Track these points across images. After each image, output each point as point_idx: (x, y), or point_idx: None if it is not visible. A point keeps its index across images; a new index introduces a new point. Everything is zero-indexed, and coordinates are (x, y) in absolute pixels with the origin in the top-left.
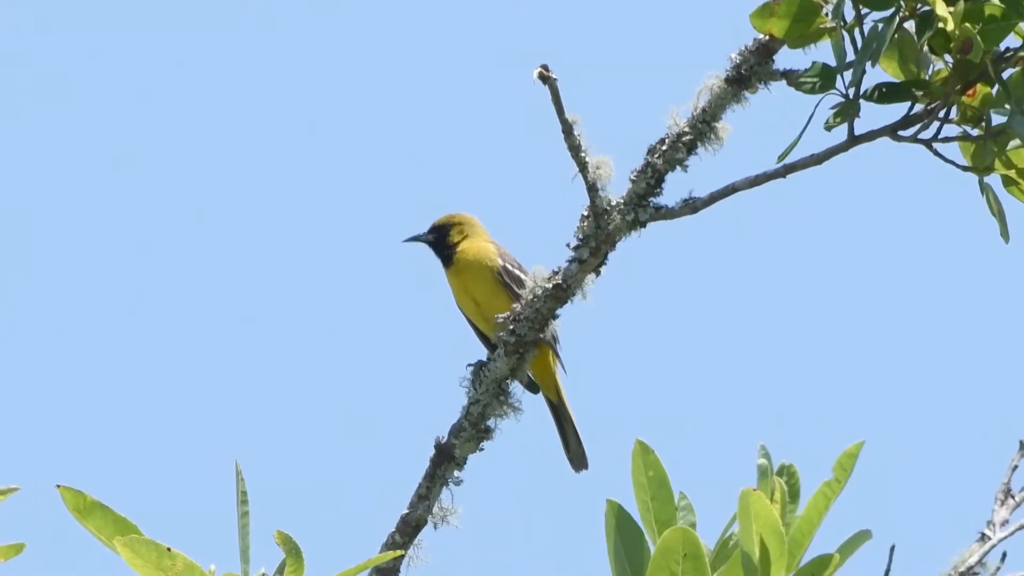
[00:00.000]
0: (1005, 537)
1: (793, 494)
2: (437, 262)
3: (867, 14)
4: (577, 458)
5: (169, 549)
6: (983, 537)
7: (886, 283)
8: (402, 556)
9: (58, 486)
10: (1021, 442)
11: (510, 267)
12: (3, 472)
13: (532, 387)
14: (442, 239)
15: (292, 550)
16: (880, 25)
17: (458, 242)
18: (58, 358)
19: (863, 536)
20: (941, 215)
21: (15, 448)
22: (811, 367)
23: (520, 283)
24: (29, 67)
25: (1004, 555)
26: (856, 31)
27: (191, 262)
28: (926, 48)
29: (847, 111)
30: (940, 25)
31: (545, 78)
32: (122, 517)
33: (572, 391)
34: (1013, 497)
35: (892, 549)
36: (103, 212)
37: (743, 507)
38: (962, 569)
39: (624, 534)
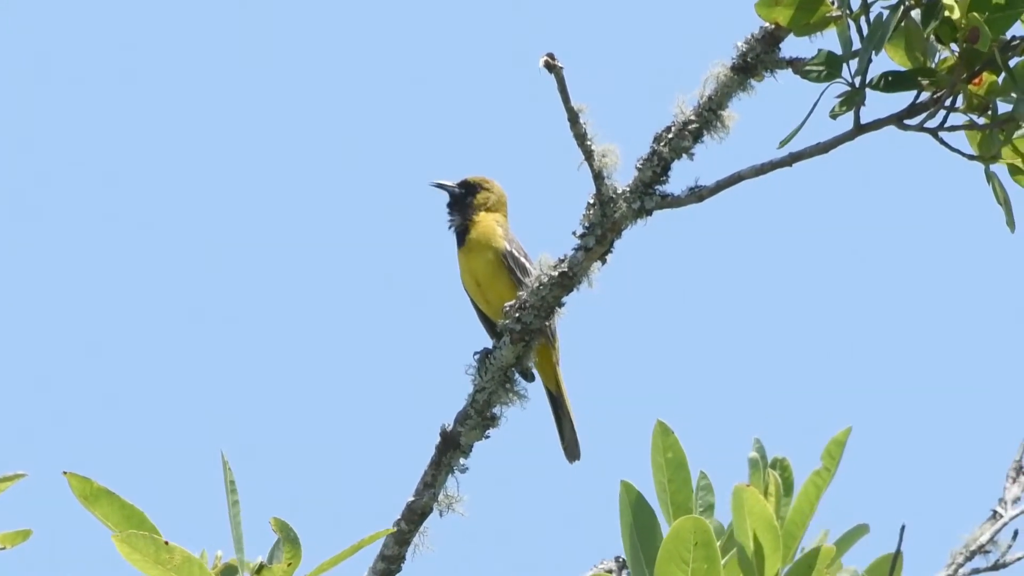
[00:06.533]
0: (1017, 515)
1: (787, 487)
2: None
3: (873, 2)
4: (571, 448)
5: (167, 543)
6: (995, 515)
7: (892, 271)
8: (406, 541)
9: (65, 472)
10: None
11: (516, 252)
12: (10, 459)
13: (529, 376)
14: (465, 197)
15: (288, 537)
16: (885, 13)
17: (479, 206)
18: (65, 351)
19: (860, 530)
20: (947, 204)
21: (21, 436)
22: (818, 354)
23: (524, 270)
24: (27, 68)
25: (1016, 533)
26: (862, 19)
27: (194, 254)
28: (932, 37)
29: (853, 99)
30: (946, 14)
31: (551, 66)
32: (128, 504)
33: (576, 379)
34: None
35: (902, 529)
36: (118, 208)
37: (736, 503)
38: (973, 547)
39: (639, 517)
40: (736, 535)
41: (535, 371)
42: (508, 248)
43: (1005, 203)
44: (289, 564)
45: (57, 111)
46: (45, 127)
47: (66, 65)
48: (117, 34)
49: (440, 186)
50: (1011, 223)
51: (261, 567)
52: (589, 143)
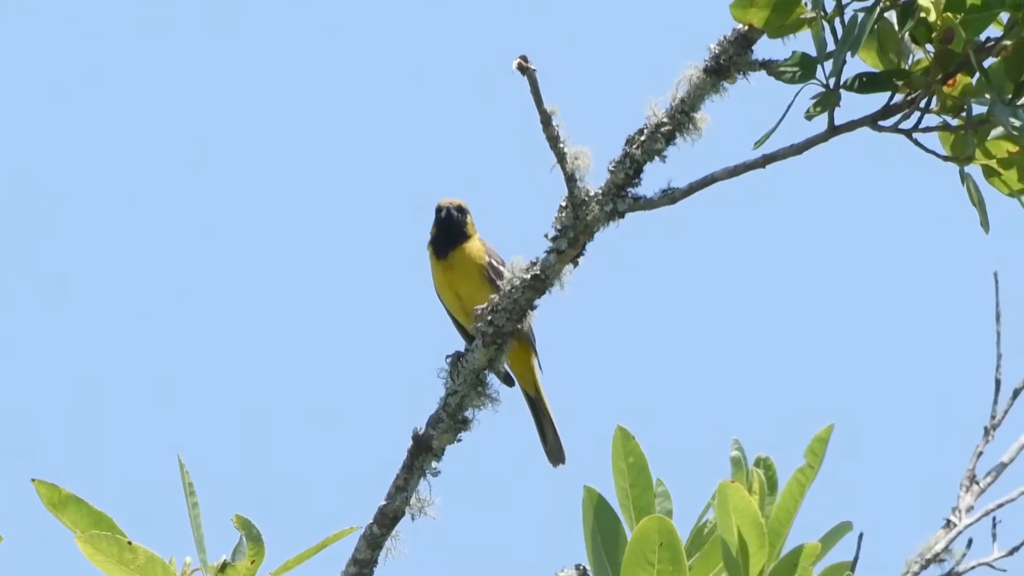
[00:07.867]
0: (971, 523)
1: (771, 485)
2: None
3: (847, 4)
4: (555, 452)
5: (130, 543)
6: (948, 524)
7: (865, 272)
8: (378, 544)
9: (33, 480)
10: (986, 428)
11: (495, 263)
12: None
13: (508, 380)
14: (461, 223)
15: (251, 535)
16: (860, 15)
17: (469, 227)
18: (39, 356)
19: (844, 528)
20: (922, 205)
21: None
22: (787, 355)
23: (501, 276)
24: (27, 68)
25: (970, 541)
26: (836, 21)
27: (170, 253)
28: (907, 37)
29: (827, 101)
30: (922, 15)
31: (524, 69)
32: (97, 510)
33: (549, 381)
34: (978, 483)
35: (860, 537)
36: (101, 209)
37: (721, 500)
38: (928, 556)
39: (601, 521)
40: (721, 532)
41: (513, 375)
42: (487, 260)
43: (979, 204)
44: (252, 561)
45: (56, 111)
46: (44, 126)
47: (65, 65)
48: (117, 34)
49: (448, 213)
50: (985, 224)
51: (224, 565)
52: (562, 145)
